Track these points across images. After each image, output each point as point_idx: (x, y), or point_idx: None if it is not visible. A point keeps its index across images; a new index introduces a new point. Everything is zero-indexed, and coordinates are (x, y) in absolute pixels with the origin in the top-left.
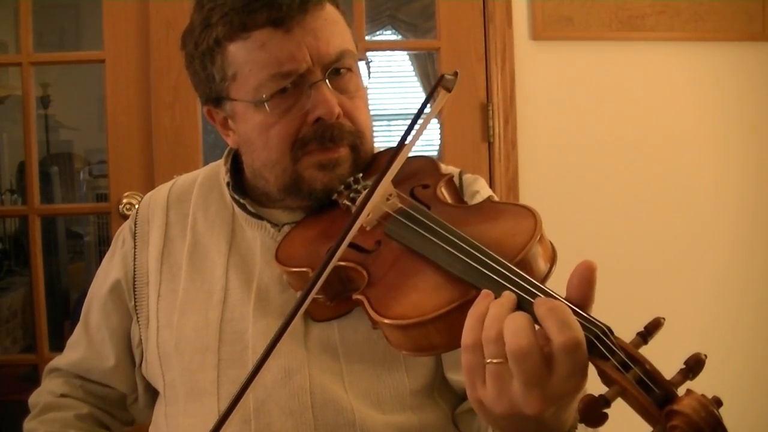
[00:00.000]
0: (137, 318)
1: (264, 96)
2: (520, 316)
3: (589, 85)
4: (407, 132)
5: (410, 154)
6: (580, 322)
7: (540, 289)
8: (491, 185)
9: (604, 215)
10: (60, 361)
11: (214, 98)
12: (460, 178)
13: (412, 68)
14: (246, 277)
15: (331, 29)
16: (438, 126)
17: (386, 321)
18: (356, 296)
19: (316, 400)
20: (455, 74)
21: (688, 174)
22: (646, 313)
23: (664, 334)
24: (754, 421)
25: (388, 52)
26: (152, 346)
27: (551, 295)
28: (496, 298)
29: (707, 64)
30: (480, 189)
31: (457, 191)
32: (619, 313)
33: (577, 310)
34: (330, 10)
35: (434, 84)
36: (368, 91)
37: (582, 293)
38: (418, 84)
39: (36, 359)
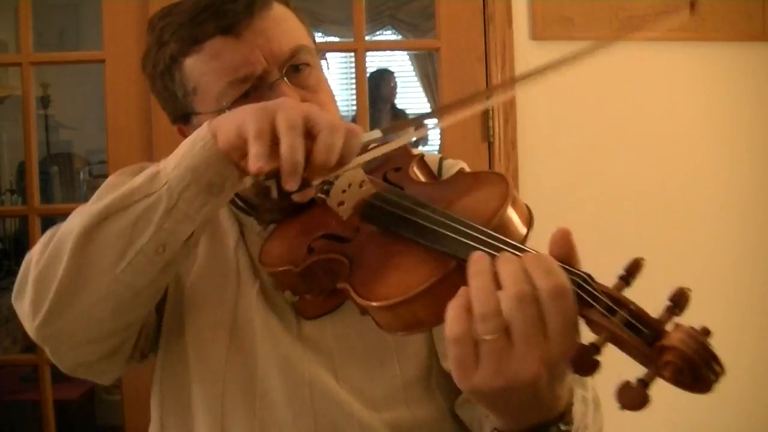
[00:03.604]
0: None
1: (225, 104)
2: (515, 262)
3: (590, 85)
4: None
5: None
6: None
7: (518, 248)
8: None
9: (604, 215)
10: None
11: (182, 115)
12: (440, 164)
13: (412, 68)
14: (252, 264)
15: (282, 27)
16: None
17: (372, 303)
18: (340, 285)
19: (314, 391)
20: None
21: (688, 174)
22: (649, 311)
23: None
24: (759, 419)
25: (388, 52)
26: (171, 286)
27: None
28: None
29: (707, 64)
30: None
31: (430, 169)
32: None
33: (559, 262)
34: (278, 9)
35: None
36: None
37: (563, 254)
38: (418, 84)
39: (36, 359)
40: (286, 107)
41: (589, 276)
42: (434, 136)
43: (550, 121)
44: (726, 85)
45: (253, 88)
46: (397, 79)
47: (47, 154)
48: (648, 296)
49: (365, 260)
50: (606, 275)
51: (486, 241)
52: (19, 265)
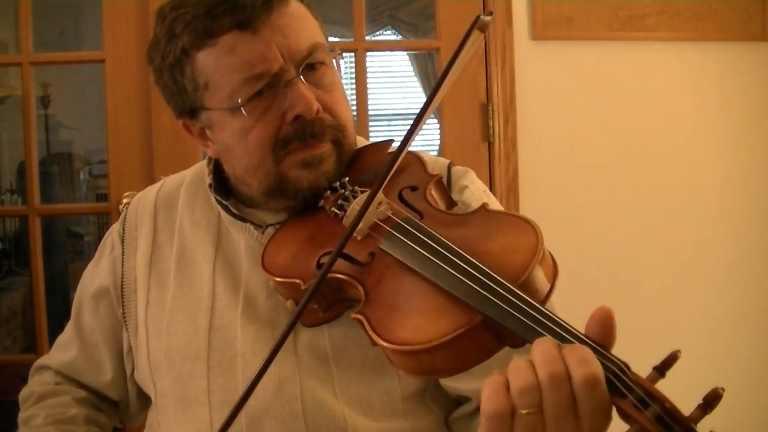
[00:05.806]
0: (126, 326)
1: (239, 101)
2: (549, 344)
3: (589, 85)
4: (428, 101)
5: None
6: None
7: (552, 320)
8: (491, 185)
9: (604, 215)
10: (50, 360)
11: (189, 110)
12: (449, 171)
13: (412, 68)
14: (233, 282)
15: (299, 24)
16: (438, 126)
17: (389, 346)
18: (354, 315)
19: (307, 407)
20: (491, 14)
21: (688, 174)
22: (649, 313)
23: (667, 335)
24: (755, 421)
25: (388, 52)
26: (142, 354)
27: (567, 329)
28: (499, 323)
29: (707, 64)
30: (469, 184)
31: (447, 192)
32: (620, 314)
33: (596, 347)
34: (295, 5)
35: (470, 25)
36: (368, 90)
37: (602, 335)
38: (418, 84)
39: (36, 359)
40: None
41: (626, 365)
42: (434, 136)
43: (550, 121)
44: (726, 85)
45: (268, 86)
46: (399, 78)
47: (47, 154)
48: (647, 295)
49: (382, 294)
50: (606, 274)
51: (517, 304)
52: (19, 264)
